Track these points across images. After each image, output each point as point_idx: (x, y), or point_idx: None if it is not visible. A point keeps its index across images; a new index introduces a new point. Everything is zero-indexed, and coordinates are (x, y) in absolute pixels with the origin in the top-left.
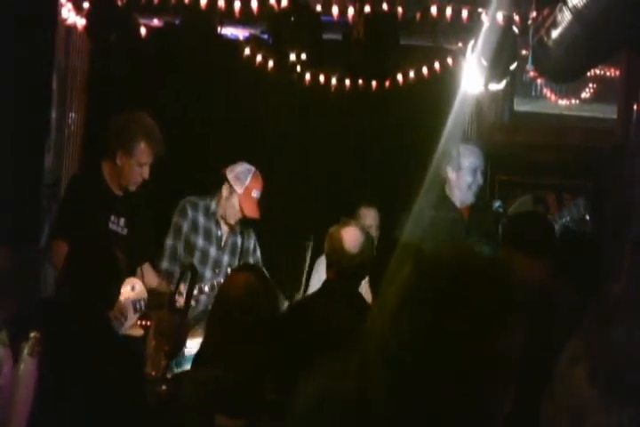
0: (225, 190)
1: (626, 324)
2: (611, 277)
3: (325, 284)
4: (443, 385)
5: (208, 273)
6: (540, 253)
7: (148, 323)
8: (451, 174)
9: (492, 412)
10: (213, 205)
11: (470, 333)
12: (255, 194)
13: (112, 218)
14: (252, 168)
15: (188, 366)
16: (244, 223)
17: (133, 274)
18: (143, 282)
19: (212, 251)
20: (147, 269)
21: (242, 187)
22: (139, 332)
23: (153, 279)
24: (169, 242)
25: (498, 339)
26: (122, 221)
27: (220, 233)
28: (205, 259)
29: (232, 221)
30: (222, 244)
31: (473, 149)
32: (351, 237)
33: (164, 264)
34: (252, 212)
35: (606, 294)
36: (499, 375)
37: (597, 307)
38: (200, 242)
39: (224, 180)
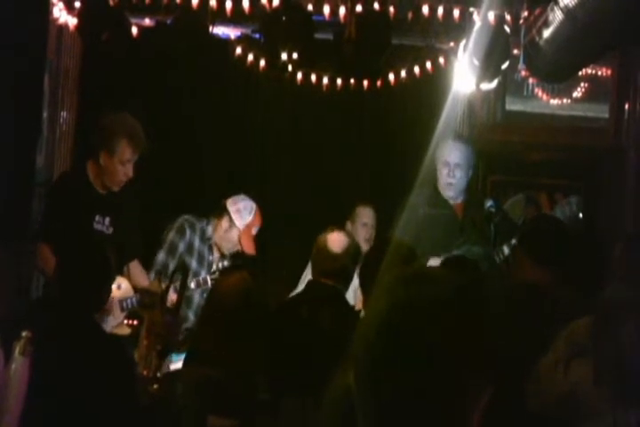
0: (225, 222)
1: (631, 325)
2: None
3: (309, 284)
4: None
5: (197, 296)
6: (546, 259)
7: (137, 322)
8: (438, 171)
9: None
10: (209, 230)
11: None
12: (254, 231)
13: (97, 217)
14: (254, 205)
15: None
16: (234, 254)
17: (120, 273)
18: (130, 280)
19: (202, 274)
20: (134, 267)
21: (243, 223)
22: (125, 331)
23: (141, 278)
24: (160, 258)
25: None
26: (107, 220)
27: (211, 258)
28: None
29: (227, 252)
30: (212, 269)
31: (457, 145)
32: (335, 239)
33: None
34: (250, 248)
35: (609, 295)
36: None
37: (602, 308)
38: (194, 264)
39: (224, 211)
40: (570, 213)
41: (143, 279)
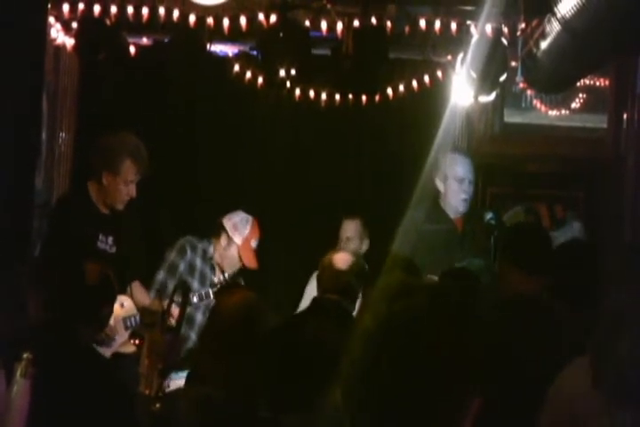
0: (223, 240)
1: (630, 334)
2: (606, 288)
3: (314, 301)
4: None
5: (199, 316)
6: (537, 269)
7: (141, 341)
8: (439, 185)
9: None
10: (211, 250)
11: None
12: (254, 244)
13: (100, 237)
14: (250, 217)
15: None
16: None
17: (123, 292)
18: (132, 300)
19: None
20: (136, 286)
21: (241, 237)
22: (130, 349)
23: (143, 297)
24: (160, 277)
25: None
26: (110, 239)
27: (213, 278)
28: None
29: (229, 271)
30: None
31: (459, 157)
32: (340, 257)
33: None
34: (251, 262)
35: (610, 306)
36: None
37: (603, 318)
38: (195, 284)
39: (220, 229)
40: (572, 236)
41: (145, 298)
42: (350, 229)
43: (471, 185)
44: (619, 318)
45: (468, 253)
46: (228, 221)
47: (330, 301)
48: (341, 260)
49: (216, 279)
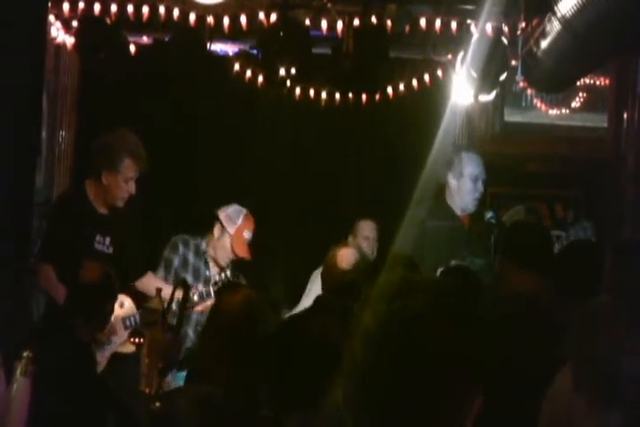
0: (216, 230)
1: (608, 333)
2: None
3: (318, 299)
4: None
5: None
6: (537, 268)
7: (141, 340)
8: (452, 182)
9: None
10: (204, 245)
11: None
12: (247, 235)
13: (97, 238)
14: (244, 209)
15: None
16: (234, 266)
17: (122, 292)
18: (145, 286)
19: (199, 288)
20: (148, 278)
21: (233, 227)
22: (129, 349)
23: (158, 283)
24: (160, 275)
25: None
26: (107, 240)
27: (208, 273)
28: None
29: (223, 263)
30: (210, 284)
31: (474, 157)
32: (345, 254)
33: None
34: (243, 252)
35: (586, 308)
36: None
37: (582, 317)
38: (189, 279)
39: (215, 220)
40: (584, 237)
41: (159, 283)
42: (368, 228)
43: (483, 185)
44: (594, 320)
45: (472, 251)
46: (221, 213)
47: (333, 300)
48: (346, 258)
49: (212, 278)
